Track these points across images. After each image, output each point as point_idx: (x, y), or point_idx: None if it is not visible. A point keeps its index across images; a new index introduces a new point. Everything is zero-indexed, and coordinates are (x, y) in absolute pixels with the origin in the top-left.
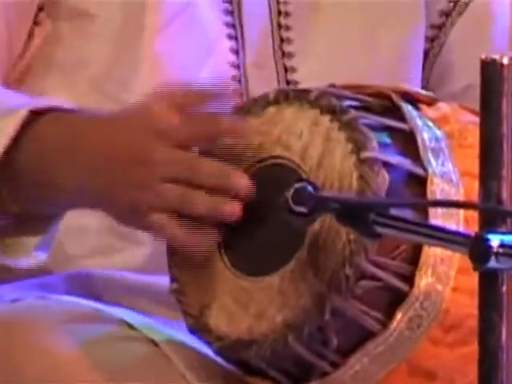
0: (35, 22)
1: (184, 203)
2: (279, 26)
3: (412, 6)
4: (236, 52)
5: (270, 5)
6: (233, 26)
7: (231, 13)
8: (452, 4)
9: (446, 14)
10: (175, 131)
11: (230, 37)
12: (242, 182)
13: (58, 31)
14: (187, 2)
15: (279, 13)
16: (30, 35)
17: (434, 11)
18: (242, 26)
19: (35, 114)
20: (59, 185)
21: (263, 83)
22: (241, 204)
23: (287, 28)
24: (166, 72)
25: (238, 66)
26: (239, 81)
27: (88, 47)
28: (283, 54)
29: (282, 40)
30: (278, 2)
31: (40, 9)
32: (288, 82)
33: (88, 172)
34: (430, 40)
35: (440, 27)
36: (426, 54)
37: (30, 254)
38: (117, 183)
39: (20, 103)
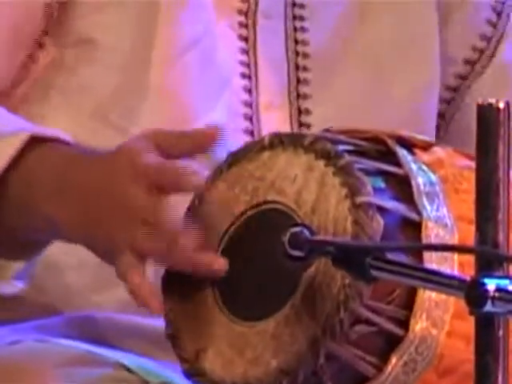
0: (39, 45)
1: (162, 257)
2: (297, 66)
3: (425, 61)
4: (249, 91)
5: (287, 46)
6: (247, 64)
7: (246, 52)
8: (469, 67)
9: (462, 77)
10: (151, 173)
11: (243, 75)
12: (215, 262)
13: (62, 56)
14: (199, 38)
15: (297, 53)
16: (34, 58)
17: (450, 73)
18: (256, 66)
19: (33, 141)
20: (44, 215)
21: (275, 124)
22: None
23: (305, 69)
24: (174, 106)
25: (250, 105)
26: (251, 119)
27: (93, 74)
28: (298, 95)
29: (298, 81)
30: (297, 42)
31: (45, 32)
32: (301, 124)
33: (74, 209)
34: (446, 102)
35: (456, 89)
36: (443, 115)
37: (9, 282)
38: (99, 222)
39: (20, 128)
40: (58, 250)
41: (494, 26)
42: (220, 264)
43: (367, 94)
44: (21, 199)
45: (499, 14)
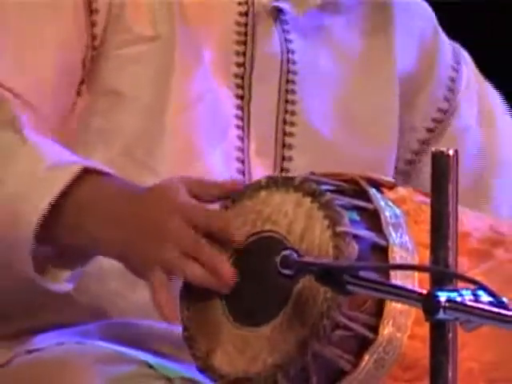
0: (77, 93)
1: (183, 271)
2: (284, 121)
3: (387, 129)
4: (242, 139)
5: (278, 105)
6: (241, 118)
7: (241, 107)
8: (430, 134)
9: (424, 142)
10: (186, 210)
11: (238, 127)
12: (226, 272)
13: (95, 103)
14: (204, 94)
15: (286, 111)
16: (73, 104)
17: (414, 139)
18: (249, 119)
19: (85, 172)
20: (89, 234)
21: (262, 167)
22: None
23: (292, 124)
24: (183, 146)
25: (242, 151)
26: (243, 162)
27: (120, 119)
28: (284, 145)
29: (284, 133)
30: (287, 102)
31: (81, 82)
32: (282, 169)
33: (114, 230)
34: (409, 163)
35: (417, 153)
36: (408, 174)
37: (61, 283)
38: (134, 243)
39: (73, 160)
40: (101, 258)
41: (449, 101)
42: (231, 276)
43: (339, 149)
44: (72, 220)
45: (452, 92)
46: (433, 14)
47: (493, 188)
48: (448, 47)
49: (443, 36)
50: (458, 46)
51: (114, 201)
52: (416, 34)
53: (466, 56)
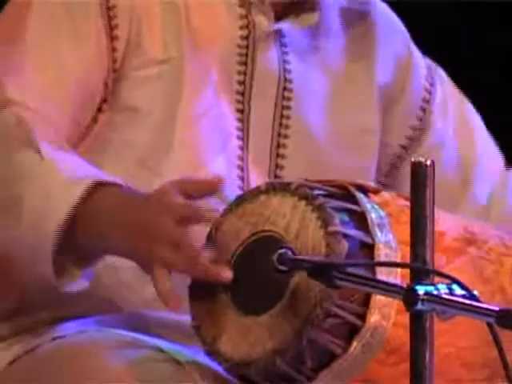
0: (99, 110)
1: (184, 269)
2: (279, 134)
3: (369, 142)
4: (242, 149)
5: (273, 119)
6: (242, 130)
7: (241, 120)
8: (403, 150)
9: (399, 157)
10: (177, 209)
11: (238, 137)
12: (223, 273)
13: (114, 119)
14: (209, 108)
15: (280, 125)
16: (95, 120)
17: (390, 154)
18: (248, 131)
19: (97, 184)
20: (102, 235)
21: (258, 174)
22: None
23: (285, 136)
24: (190, 156)
25: (242, 159)
26: (242, 169)
27: (136, 132)
28: (277, 155)
29: (278, 145)
30: (282, 117)
31: (104, 100)
32: (275, 176)
33: (123, 231)
34: (385, 175)
35: (394, 165)
36: (388, 184)
37: (76, 281)
38: (139, 242)
39: (88, 174)
40: (114, 257)
41: (421, 119)
42: (226, 274)
43: (326, 163)
44: (87, 226)
45: (424, 111)
46: (407, 34)
47: (473, 183)
48: (422, 68)
49: (418, 56)
50: (433, 64)
51: (122, 207)
52: (394, 55)
53: (441, 74)
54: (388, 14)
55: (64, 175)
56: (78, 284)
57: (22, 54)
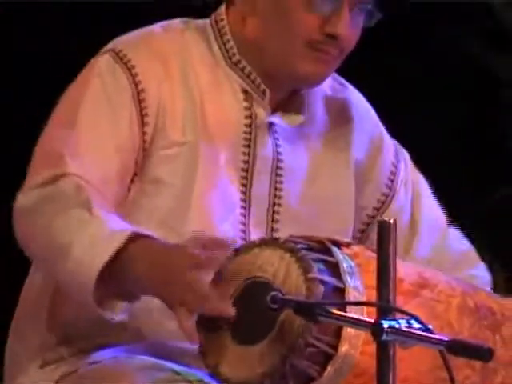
0: (131, 181)
1: (196, 309)
2: (274, 204)
3: (346, 208)
4: (244, 216)
5: (269, 191)
6: (244, 200)
7: (244, 193)
8: (376, 211)
9: (372, 217)
10: (192, 257)
11: (241, 207)
12: (227, 311)
13: (143, 188)
14: (218, 182)
15: (275, 196)
16: (128, 189)
17: (364, 214)
18: (250, 202)
19: (134, 236)
20: (138, 279)
21: (257, 235)
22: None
23: (279, 205)
24: (203, 218)
25: (244, 224)
26: (244, 232)
27: (160, 199)
28: (273, 220)
29: (274, 212)
30: (276, 189)
31: (135, 174)
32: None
33: (155, 277)
34: (361, 231)
35: (368, 224)
36: (361, 238)
37: (117, 314)
38: (167, 286)
39: (125, 228)
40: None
41: (390, 188)
42: (229, 312)
43: (311, 223)
44: (125, 268)
45: (392, 181)
46: (376, 116)
47: (420, 238)
48: (391, 147)
49: (386, 135)
50: (399, 145)
51: (153, 255)
52: (368, 136)
53: (404, 153)
54: (360, 98)
55: (109, 228)
56: (117, 316)
57: (77, 136)
